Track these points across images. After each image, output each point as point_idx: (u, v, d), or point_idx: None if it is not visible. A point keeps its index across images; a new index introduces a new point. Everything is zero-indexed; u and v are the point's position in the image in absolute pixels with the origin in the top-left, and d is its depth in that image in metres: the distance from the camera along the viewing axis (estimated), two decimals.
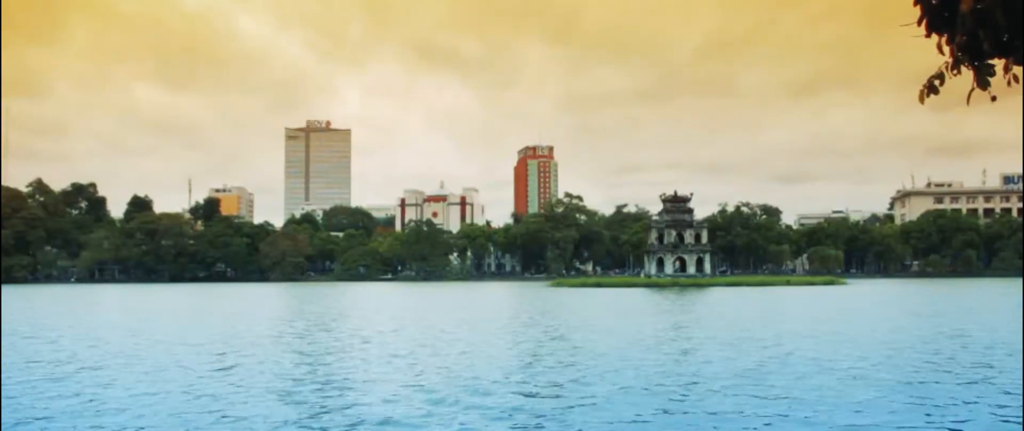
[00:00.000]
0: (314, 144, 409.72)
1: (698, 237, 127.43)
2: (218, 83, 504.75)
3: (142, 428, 13.79)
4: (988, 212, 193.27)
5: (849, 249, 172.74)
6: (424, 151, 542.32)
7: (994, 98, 4.25)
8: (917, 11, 4.16)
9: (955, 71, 4.18)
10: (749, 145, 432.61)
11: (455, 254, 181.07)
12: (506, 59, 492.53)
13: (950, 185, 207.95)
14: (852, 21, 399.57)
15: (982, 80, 4.11)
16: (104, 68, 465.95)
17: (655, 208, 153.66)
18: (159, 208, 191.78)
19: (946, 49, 4.13)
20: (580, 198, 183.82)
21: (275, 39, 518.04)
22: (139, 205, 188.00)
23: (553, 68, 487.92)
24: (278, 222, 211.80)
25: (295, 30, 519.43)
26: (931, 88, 4.31)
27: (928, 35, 4.16)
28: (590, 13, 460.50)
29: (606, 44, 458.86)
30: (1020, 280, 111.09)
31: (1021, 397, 16.01)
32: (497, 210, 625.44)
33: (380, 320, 41.70)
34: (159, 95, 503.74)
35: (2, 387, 17.81)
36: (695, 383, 18.23)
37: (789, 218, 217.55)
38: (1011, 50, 3.90)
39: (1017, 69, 4.05)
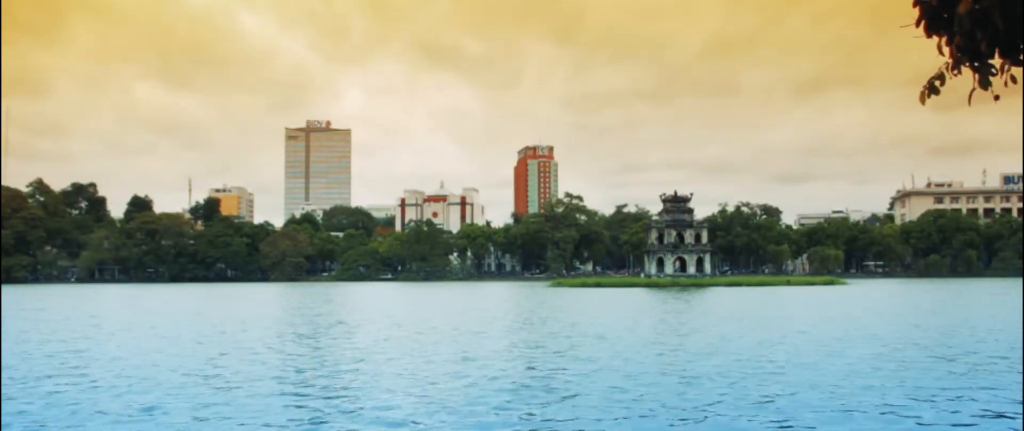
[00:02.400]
0: (314, 144, 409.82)
1: (698, 237, 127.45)
2: (220, 83, 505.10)
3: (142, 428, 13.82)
4: (988, 212, 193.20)
5: (849, 249, 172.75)
6: (425, 151, 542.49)
7: (997, 97, 4.26)
8: (917, 12, 4.17)
9: (955, 71, 4.20)
10: (751, 145, 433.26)
11: (455, 254, 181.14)
12: (509, 59, 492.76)
13: (950, 185, 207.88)
14: (856, 21, 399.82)
15: (984, 80, 4.12)
16: (106, 67, 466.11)
17: (655, 208, 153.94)
18: (159, 208, 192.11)
19: (945, 50, 4.15)
20: (580, 198, 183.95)
21: (278, 38, 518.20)
22: (139, 205, 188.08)
23: (556, 68, 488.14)
24: (278, 222, 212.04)
25: (298, 29, 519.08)
26: (932, 89, 4.32)
27: (928, 36, 4.17)
28: (594, 13, 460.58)
29: (609, 44, 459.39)
30: (1020, 280, 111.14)
31: (1021, 396, 16.02)
32: (497, 210, 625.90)
33: (380, 321, 41.70)
34: (161, 95, 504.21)
35: (2, 388, 17.83)
36: (696, 383, 18.25)
37: (789, 218, 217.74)
38: (1009, 51, 3.91)
39: (1015, 70, 4.06)
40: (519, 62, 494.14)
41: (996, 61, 4.08)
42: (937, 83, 4.28)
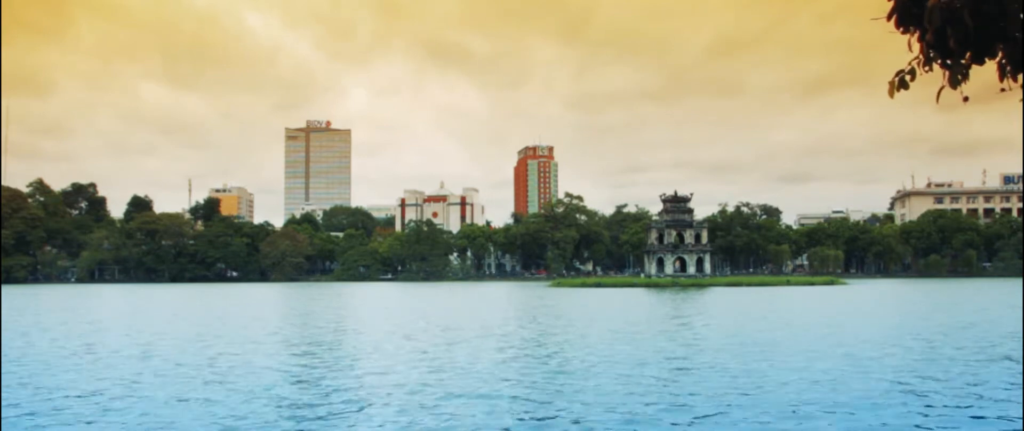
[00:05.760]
0: (314, 144, 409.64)
1: (698, 237, 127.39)
2: (224, 82, 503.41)
3: (142, 428, 13.81)
4: (988, 212, 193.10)
5: (849, 249, 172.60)
6: (428, 151, 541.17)
7: (966, 99, 4.23)
8: (889, 6, 4.14)
9: (927, 68, 4.17)
10: (755, 145, 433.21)
11: (455, 254, 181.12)
12: (515, 58, 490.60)
13: (950, 185, 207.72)
14: (861, 21, 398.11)
15: (953, 79, 4.09)
16: (109, 66, 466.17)
17: (655, 208, 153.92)
18: (159, 208, 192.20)
19: (916, 46, 4.12)
20: (580, 198, 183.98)
21: (283, 38, 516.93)
22: (139, 205, 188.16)
23: (562, 67, 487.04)
24: (278, 222, 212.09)
25: (303, 29, 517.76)
26: (900, 83, 4.29)
27: (900, 30, 4.14)
28: (600, 12, 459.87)
29: (615, 43, 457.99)
30: (1020, 280, 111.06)
31: (1021, 396, 16.00)
32: (497, 210, 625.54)
33: (380, 321, 41.69)
34: (165, 94, 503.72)
35: (2, 387, 17.82)
36: (695, 382, 18.24)
37: (789, 218, 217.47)
38: (978, 51, 3.87)
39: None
40: (525, 61, 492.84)
41: (974, 65, 4.04)
42: (908, 78, 4.26)
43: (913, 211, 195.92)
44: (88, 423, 14.16)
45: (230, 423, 14.03)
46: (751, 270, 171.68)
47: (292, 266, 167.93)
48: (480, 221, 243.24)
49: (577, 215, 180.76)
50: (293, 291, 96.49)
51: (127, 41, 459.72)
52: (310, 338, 31.04)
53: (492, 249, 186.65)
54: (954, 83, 4.08)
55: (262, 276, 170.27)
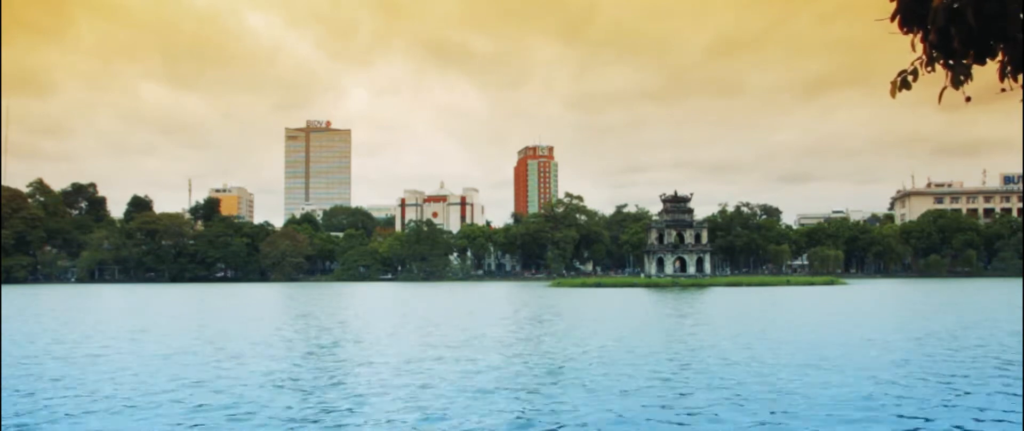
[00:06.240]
0: (314, 144, 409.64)
1: (698, 237, 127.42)
2: (224, 82, 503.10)
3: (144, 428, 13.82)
4: (988, 212, 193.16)
5: (849, 249, 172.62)
6: (428, 151, 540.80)
7: (968, 99, 4.24)
8: (892, 6, 4.15)
9: (929, 69, 4.18)
10: (755, 145, 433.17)
11: (455, 254, 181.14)
12: (515, 58, 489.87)
13: (950, 185, 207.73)
14: (861, 20, 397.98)
15: (955, 80, 4.10)
16: (110, 66, 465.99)
17: (655, 208, 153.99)
18: (159, 208, 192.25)
19: (919, 46, 4.13)
20: (580, 198, 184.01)
21: (283, 38, 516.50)
22: (139, 205, 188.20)
23: (562, 67, 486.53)
24: (278, 222, 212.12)
25: (304, 29, 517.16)
26: (903, 83, 4.30)
27: (903, 31, 4.16)
28: (601, 12, 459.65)
29: (615, 44, 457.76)
30: (1020, 280, 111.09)
31: (1021, 396, 16.01)
32: (497, 210, 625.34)
33: (380, 321, 41.69)
34: (165, 94, 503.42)
35: (2, 387, 17.83)
36: (701, 382, 18.26)
37: (789, 218, 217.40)
38: (982, 51, 3.89)
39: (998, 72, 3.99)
40: (525, 61, 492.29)
41: (976, 66, 4.05)
42: (910, 78, 4.27)
43: (913, 211, 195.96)
44: (93, 424, 14.17)
45: (237, 424, 14.05)
46: (747, 270, 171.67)
47: (292, 266, 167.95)
48: (480, 221, 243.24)
49: (577, 215, 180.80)
50: (293, 291, 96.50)
51: (127, 41, 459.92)
52: (314, 338, 31.05)
53: (492, 249, 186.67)
54: (957, 83, 4.09)
55: (262, 276, 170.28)
